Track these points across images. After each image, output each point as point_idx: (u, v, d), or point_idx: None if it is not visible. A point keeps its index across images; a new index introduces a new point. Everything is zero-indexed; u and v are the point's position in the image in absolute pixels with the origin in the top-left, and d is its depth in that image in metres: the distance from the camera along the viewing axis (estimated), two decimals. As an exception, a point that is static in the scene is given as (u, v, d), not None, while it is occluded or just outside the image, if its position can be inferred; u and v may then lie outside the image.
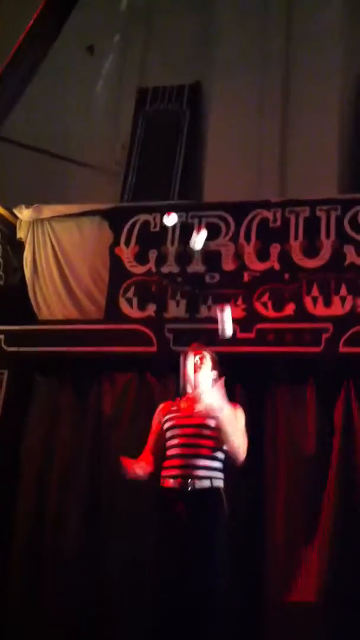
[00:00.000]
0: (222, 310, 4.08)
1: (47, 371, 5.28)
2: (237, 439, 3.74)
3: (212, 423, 3.77)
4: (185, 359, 3.89)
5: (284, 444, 4.69)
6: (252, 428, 4.30)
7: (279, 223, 5.16)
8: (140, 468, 3.77)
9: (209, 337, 4.83)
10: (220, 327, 4.05)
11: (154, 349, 4.98)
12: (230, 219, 5.26)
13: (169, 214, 4.52)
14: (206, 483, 3.69)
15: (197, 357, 4.03)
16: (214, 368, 4.06)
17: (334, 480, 4.50)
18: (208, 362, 4.03)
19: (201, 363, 4.00)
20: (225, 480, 3.79)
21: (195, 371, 3.99)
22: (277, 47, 6.60)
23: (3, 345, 5.26)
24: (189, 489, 3.66)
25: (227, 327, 4.04)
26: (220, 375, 4.02)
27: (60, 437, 5.10)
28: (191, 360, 3.89)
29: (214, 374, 4.04)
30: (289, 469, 4.63)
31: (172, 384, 4.80)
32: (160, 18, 7.19)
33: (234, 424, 3.72)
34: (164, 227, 5.29)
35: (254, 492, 4.62)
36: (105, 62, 7.26)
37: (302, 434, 4.65)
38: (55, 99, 6.94)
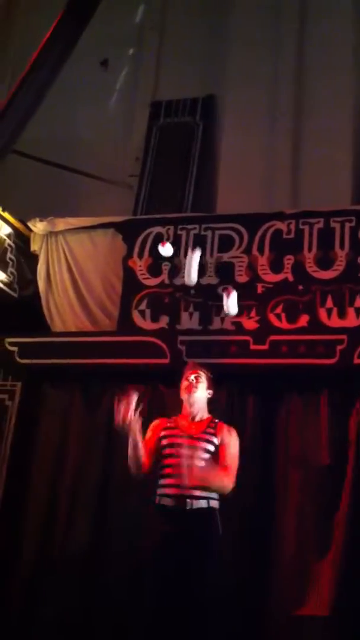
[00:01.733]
0: (192, 252, 4.10)
1: (60, 383, 5.28)
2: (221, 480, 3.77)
3: (209, 446, 3.85)
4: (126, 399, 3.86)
5: (297, 455, 4.65)
6: (265, 440, 4.30)
7: (292, 234, 5.15)
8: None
9: (222, 349, 4.85)
10: (186, 270, 4.05)
11: (166, 360, 4.97)
12: (243, 231, 5.25)
13: (163, 244, 4.64)
14: (203, 503, 3.74)
15: (193, 376, 4.06)
16: (209, 387, 4.11)
17: (348, 491, 4.45)
18: (203, 380, 4.09)
19: (197, 382, 4.07)
20: (236, 492, 3.78)
21: (190, 391, 4.06)
22: (289, 59, 6.62)
23: (17, 357, 5.27)
24: (187, 508, 3.70)
25: (192, 271, 4.10)
26: (213, 393, 4.07)
27: (72, 449, 5.09)
28: (132, 402, 3.85)
29: (209, 392, 4.09)
30: (301, 480, 4.59)
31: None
32: (174, 32, 7.25)
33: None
34: (176, 240, 5.31)
35: (266, 503, 4.58)
36: (119, 76, 7.32)
37: (316, 445, 4.61)
38: (70, 112, 7.00)
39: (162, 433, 3.99)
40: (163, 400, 4.94)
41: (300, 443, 4.68)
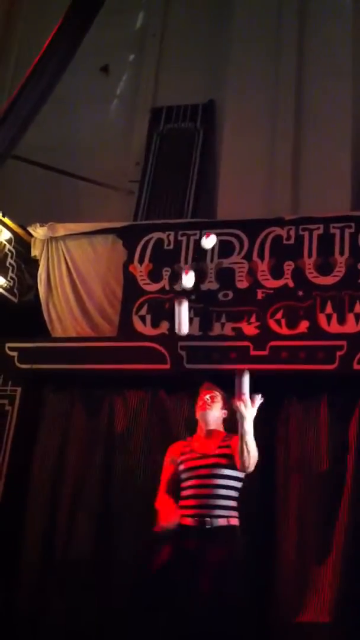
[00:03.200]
0: (179, 304, 4.10)
1: (60, 388, 5.29)
2: (251, 448, 3.86)
3: (226, 464, 3.93)
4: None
5: (297, 461, 4.66)
6: (265, 445, 4.30)
7: (292, 240, 5.16)
8: (174, 518, 3.88)
9: (222, 355, 4.86)
10: (176, 321, 4.07)
11: (167, 366, 4.97)
12: (243, 237, 5.26)
13: (207, 236, 4.59)
14: (223, 522, 3.85)
15: (208, 396, 4.14)
16: (224, 407, 4.16)
17: (347, 497, 4.46)
18: (219, 400, 4.19)
19: (212, 402, 4.15)
20: (237, 498, 3.83)
21: (204, 409, 4.17)
22: (289, 65, 6.64)
23: (17, 362, 5.27)
24: (207, 527, 3.80)
25: (183, 323, 4.07)
26: (228, 413, 4.18)
27: (72, 454, 5.09)
28: None
29: (224, 412, 4.15)
30: (302, 486, 4.60)
31: (185, 401, 4.80)
32: (174, 38, 7.27)
33: (251, 437, 3.85)
34: (177, 245, 5.32)
35: (267, 508, 4.59)
36: (119, 82, 7.34)
37: (316, 451, 4.62)
38: (71, 117, 7.01)
39: (179, 459, 4.08)
40: (163, 406, 4.94)
41: (300, 449, 4.69)
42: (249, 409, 3.79)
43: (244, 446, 3.82)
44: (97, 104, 7.23)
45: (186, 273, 4.59)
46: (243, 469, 3.89)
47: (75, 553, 4.82)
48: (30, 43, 6.64)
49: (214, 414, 4.17)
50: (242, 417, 3.78)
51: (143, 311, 5.28)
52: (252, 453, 3.85)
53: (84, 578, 4.72)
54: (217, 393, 4.21)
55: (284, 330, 4.94)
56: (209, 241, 4.74)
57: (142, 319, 5.26)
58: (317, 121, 6.38)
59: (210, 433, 4.14)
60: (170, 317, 5.14)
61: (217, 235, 5.28)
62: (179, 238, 5.39)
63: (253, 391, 4.73)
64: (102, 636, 4.49)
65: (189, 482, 3.97)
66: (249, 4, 6.98)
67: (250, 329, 4.99)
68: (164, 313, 5.21)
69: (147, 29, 7.43)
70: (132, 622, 4.16)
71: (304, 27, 6.79)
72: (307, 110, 6.50)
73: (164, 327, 5.17)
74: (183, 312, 4.24)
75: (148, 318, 5.25)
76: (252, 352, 4.83)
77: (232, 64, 6.79)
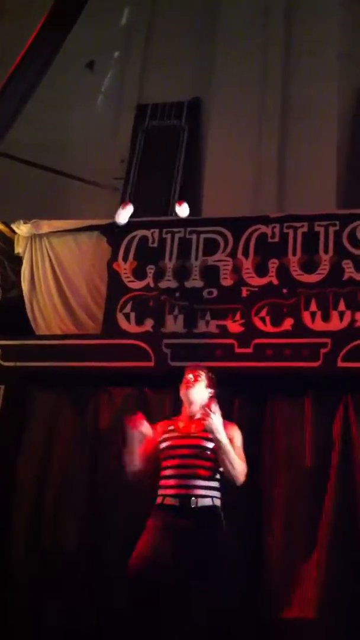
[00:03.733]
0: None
1: (44, 386, 5.25)
2: (236, 463, 3.83)
3: (209, 444, 3.86)
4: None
5: (282, 458, 4.65)
6: (250, 443, 4.31)
7: (277, 238, 5.15)
8: (145, 428, 3.90)
9: (207, 352, 4.85)
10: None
11: (151, 363, 4.96)
12: (228, 235, 5.25)
13: (180, 204, 4.59)
14: (207, 501, 3.79)
15: (191, 375, 4.10)
16: (209, 386, 4.11)
17: (332, 494, 4.47)
18: (203, 379, 4.10)
19: (195, 380, 4.07)
20: (223, 493, 3.82)
21: (187, 387, 4.11)
22: (276, 63, 6.66)
23: (0, 360, 5.24)
24: (192, 506, 3.74)
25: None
26: (215, 394, 4.07)
27: (57, 452, 5.06)
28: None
29: (210, 391, 4.09)
30: (287, 482, 4.60)
31: (170, 398, 4.78)
32: (160, 35, 7.27)
33: (231, 451, 3.82)
34: (162, 243, 5.31)
35: (252, 505, 4.58)
36: (105, 79, 7.32)
37: (301, 447, 4.62)
38: (55, 114, 6.98)
39: (163, 436, 4.02)
40: (147, 403, 4.93)
41: (285, 445, 4.68)
42: (215, 418, 3.77)
43: (227, 462, 3.80)
44: (83, 101, 7.22)
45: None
46: (235, 483, 3.86)
47: (63, 550, 4.78)
48: (14, 39, 6.58)
49: (198, 393, 4.09)
50: (215, 431, 3.77)
51: (127, 309, 5.26)
52: (237, 467, 3.82)
53: (72, 576, 4.70)
54: (202, 372, 4.15)
55: (269, 328, 4.93)
56: (182, 209, 4.88)
57: (127, 316, 5.24)
58: (303, 119, 6.40)
59: (195, 412, 4.07)
60: (155, 314, 5.16)
61: (202, 233, 5.30)
62: (164, 236, 5.37)
63: (239, 388, 4.78)
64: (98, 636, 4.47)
65: (171, 462, 3.89)
66: (235, 2, 6.97)
67: (235, 326, 4.98)
68: (149, 311, 5.20)
69: (133, 25, 7.42)
70: (125, 618, 4.16)
71: (291, 26, 6.81)
72: (293, 109, 6.52)
73: (149, 324, 5.16)
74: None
75: (132, 316, 5.23)
76: (237, 350, 4.83)
77: (218, 61, 6.80)
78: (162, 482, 3.90)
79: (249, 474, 3.95)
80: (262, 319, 4.97)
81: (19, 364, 5.21)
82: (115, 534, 4.69)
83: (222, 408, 4.69)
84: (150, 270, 5.31)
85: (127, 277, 5.35)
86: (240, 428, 4.10)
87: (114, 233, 5.50)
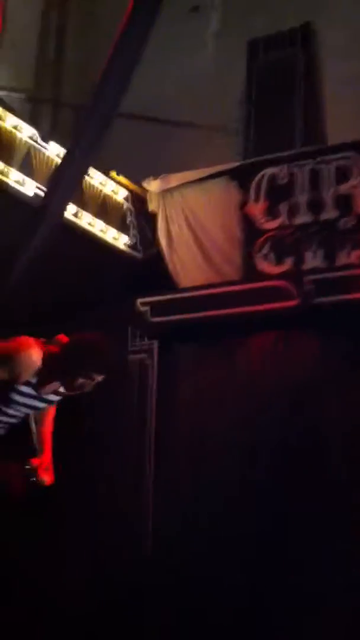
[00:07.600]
0: None
1: (193, 337, 5.35)
2: None
3: None
4: None
5: None
6: None
7: None
8: None
9: (352, 285, 4.76)
10: None
11: (295, 302, 4.91)
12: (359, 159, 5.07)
13: None
14: None
15: None
16: None
17: None
18: None
19: None
20: None
21: None
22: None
23: (149, 316, 5.39)
24: None
25: None
26: None
27: (209, 399, 5.13)
28: None
29: None
30: None
31: (316, 338, 4.73)
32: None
33: None
34: (292, 178, 5.21)
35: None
36: (211, 20, 7.16)
37: None
38: (164, 63, 6.91)
39: None
40: (294, 344, 4.89)
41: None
42: None
43: None
44: (191, 47, 7.09)
45: None
46: None
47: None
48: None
49: None
50: None
51: (265, 250, 5.24)
52: None
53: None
54: None
55: None
56: None
57: (265, 257, 5.23)
58: None
59: None
60: (293, 252, 5.09)
61: (332, 161, 5.14)
62: (293, 170, 5.28)
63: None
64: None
65: None
66: None
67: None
68: (286, 249, 5.16)
69: None
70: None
71: None
72: None
73: (288, 263, 5.12)
74: None
75: (271, 256, 5.21)
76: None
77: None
78: None
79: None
80: None
81: (166, 318, 5.33)
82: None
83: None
84: (284, 207, 5.24)
85: (261, 217, 5.31)
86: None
87: (242, 175, 5.45)
